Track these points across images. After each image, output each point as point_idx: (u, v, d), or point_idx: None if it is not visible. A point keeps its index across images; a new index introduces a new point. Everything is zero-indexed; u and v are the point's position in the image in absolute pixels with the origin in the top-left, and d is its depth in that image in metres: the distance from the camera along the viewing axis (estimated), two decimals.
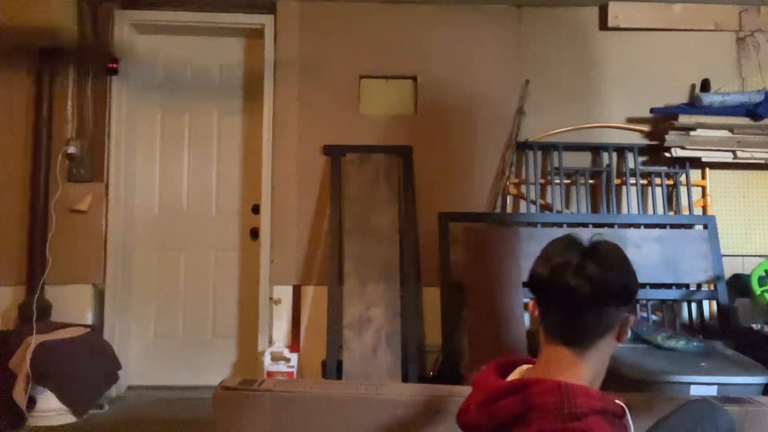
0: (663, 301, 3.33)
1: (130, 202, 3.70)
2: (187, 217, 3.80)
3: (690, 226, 3.45)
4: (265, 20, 3.61)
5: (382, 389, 2.41)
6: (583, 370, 1.18)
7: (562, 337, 1.20)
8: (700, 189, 3.55)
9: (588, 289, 1.16)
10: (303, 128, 3.55)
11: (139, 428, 3.07)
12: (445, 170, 3.55)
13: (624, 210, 3.51)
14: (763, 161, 3.46)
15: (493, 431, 1.16)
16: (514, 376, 1.27)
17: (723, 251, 3.35)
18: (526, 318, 3.25)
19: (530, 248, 3.26)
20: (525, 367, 1.29)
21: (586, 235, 1.27)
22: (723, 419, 1.58)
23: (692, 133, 3.42)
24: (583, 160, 3.58)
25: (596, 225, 3.40)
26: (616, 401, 1.15)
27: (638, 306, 3.30)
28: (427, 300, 3.42)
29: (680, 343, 2.84)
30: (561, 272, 1.18)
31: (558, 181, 3.47)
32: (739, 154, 3.42)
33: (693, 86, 3.59)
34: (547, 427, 1.07)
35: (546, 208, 3.51)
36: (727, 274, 3.34)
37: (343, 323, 3.21)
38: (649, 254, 3.30)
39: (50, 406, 3.02)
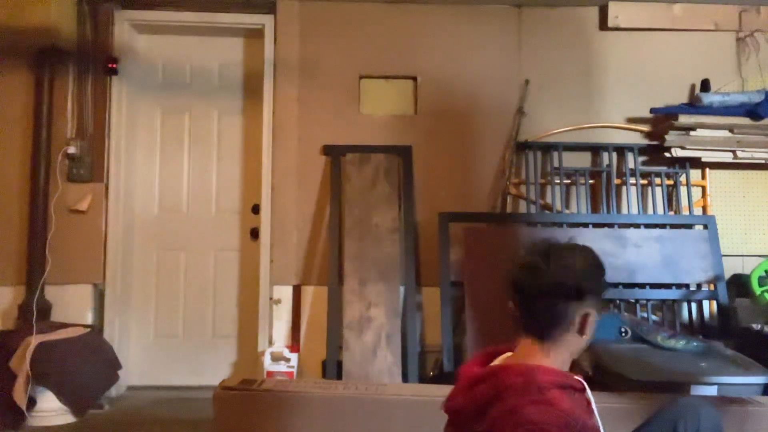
0: (663, 301, 3.33)
1: (130, 202, 3.70)
2: (187, 217, 3.80)
3: (690, 226, 3.45)
4: (265, 20, 3.61)
5: (382, 389, 2.41)
6: (547, 358, 1.31)
7: (527, 329, 1.35)
8: (700, 189, 3.55)
9: (536, 286, 1.32)
10: (303, 128, 3.56)
11: (139, 428, 3.07)
12: (445, 170, 3.55)
13: (624, 210, 3.51)
14: (763, 161, 3.46)
15: (473, 414, 1.28)
16: (496, 363, 1.40)
17: (723, 251, 3.35)
18: None
19: None
20: (505, 355, 1.41)
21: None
22: (706, 415, 1.61)
23: (692, 133, 3.42)
24: (583, 160, 3.58)
25: (596, 225, 3.40)
26: (576, 377, 1.30)
27: (638, 306, 3.31)
28: (427, 300, 3.43)
29: (680, 343, 2.84)
30: (518, 271, 1.35)
31: (558, 181, 3.47)
32: (739, 154, 3.43)
33: (693, 86, 3.59)
34: (516, 402, 1.20)
35: (546, 208, 3.51)
36: (727, 274, 3.34)
37: (343, 323, 3.21)
38: (649, 254, 3.31)
39: (50, 406, 3.02)
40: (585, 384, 1.30)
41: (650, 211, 3.48)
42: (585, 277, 1.32)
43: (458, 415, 1.35)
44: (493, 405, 1.24)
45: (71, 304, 3.40)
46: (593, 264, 1.36)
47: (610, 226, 3.40)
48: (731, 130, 3.43)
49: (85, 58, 3.50)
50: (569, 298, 1.31)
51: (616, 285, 3.29)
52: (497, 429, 1.21)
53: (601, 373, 2.63)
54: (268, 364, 3.28)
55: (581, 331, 1.32)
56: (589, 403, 1.30)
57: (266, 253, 3.53)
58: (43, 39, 3.29)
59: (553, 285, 1.31)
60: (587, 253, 1.37)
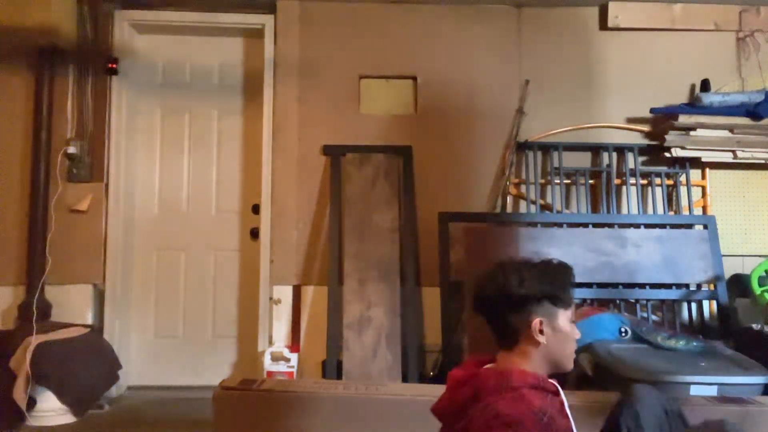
0: (663, 301, 3.33)
1: (130, 202, 3.70)
2: (187, 217, 3.80)
3: (690, 226, 3.45)
4: (265, 20, 3.61)
5: (382, 389, 2.41)
6: (518, 365, 1.37)
7: (496, 341, 1.44)
8: (700, 189, 3.55)
9: (483, 304, 1.44)
10: (303, 128, 3.56)
11: (139, 428, 3.07)
12: (445, 170, 3.55)
13: (624, 210, 3.51)
14: (763, 161, 3.46)
15: (455, 413, 1.37)
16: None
17: (723, 251, 3.35)
18: None
19: (530, 248, 3.27)
20: (490, 364, 1.48)
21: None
22: (648, 400, 1.66)
23: (692, 133, 3.42)
24: (583, 160, 3.58)
25: (596, 225, 3.40)
26: (550, 381, 1.36)
27: (638, 306, 3.31)
28: (427, 300, 3.42)
29: (680, 343, 2.84)
30: (474, 293, 1.48)
31: (558, 181, 3.47)
32: (739, 154, 3.43)
33: (693, 86, 3.59)
34: (490, 399, 1.29)
35: (546, 208, 3.51)
36: (727, 274, 3.34)
37: (343, 323, 3.21)
38: (649, 254, 3.30)
39: (50, 406, 3.02)
40: (559, 387, 1.36)
41: (650, 211, 3.48)
42: (520, 288, 1.37)
43: (443, 416, 1.43)
44: (472, 405, 1.32)
45: (71, 304, 3.40)
46: (535, 274, 1.40)
47: (610, 226, 3.40)
48: (731, 130, 3.43)
49: (85, 58, 3.50)
50: (510, 310, 1.38)
51: (616, 285, 3.29)
52: (473, 424, 1.29)
53: (601, 373, 2.63)
54: (268, 364, 3.29)
55: (536, 338, 1.36)
56: (563, 405, 1.35)
57: (266, 253, 3.53)
58: (43, 39, 3.29)
59: (493, 300, 1.41)
60: (531, 265, 1.43)
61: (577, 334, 1.41)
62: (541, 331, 1.35)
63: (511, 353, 1.39)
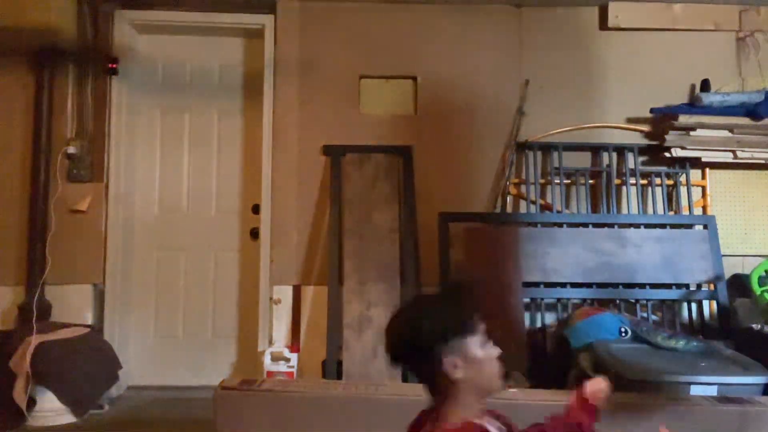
0: (663, 301, 3.33)
1: (130, 202, 3.70)
2: (187, 217, 3.80)
3: (690, 226, 3.45)
4: (265, 20, 3.61)
5: (382, 389, 2.41)
6: (448, 408, 1.29)
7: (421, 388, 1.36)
8: (700, 189, 3.55)
9: (392, 363, 1.36)
10: (303, 128, 3.55)
11: (139, 428, 3.07)
12: (445, 170, 3.54)
13: (624, 210, 3.51)
14: (763, 161, 3.46)
15: None
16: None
17: (723, 251, 3.35)
18: (527, 318, 3.26)
19: (530, 248, 3.27)
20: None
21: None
22: None
23: (692, 133, 3.42)
24: (583, 160, 3.58)
25: (596, 225, 3.40)
26: (475, 422, 1.28)
27: (638, 306, 3.31)
28: None
29: (680, 343, 2.84)
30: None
31: (558, 181, 3.47)
32: (739, 154, 3.42)
33: (693, 86, 3.58)
34: None
35: (546, 208, 3.51)
36: (727, 274, 3.34)
37: (343, 323, 3.21)
38: (649, 254, 3.31)
39: (50, 406, 3.02)
40: (482, 424, 1.29)
41: (650, 211, 3.48)
42: (420, 337, 1.29)
43: None
44: None
45: (71, 304, 3.40)
46: (430, 314, 1.33)
47: (610, 226, 3.40)
48: (731, 130, 3.43)
49: (85, 58, 3.49)
50: (420, 360, 1.30)
51: (616, 285, 3.29)
52: None
53: (601, 373, 2.63)
54: (268, 364, 3.28)
55: (449, 380, 1.27)
56: None
57: (266, 253, 3.53)
58: (43, 39, 3.29)
59: (401, 356, 1.34)
60: (424, 307, 1.39)
61: (495, 352, 1.33)
62: (456, 367, 1.27)
63: (439, 397, 1.31)
